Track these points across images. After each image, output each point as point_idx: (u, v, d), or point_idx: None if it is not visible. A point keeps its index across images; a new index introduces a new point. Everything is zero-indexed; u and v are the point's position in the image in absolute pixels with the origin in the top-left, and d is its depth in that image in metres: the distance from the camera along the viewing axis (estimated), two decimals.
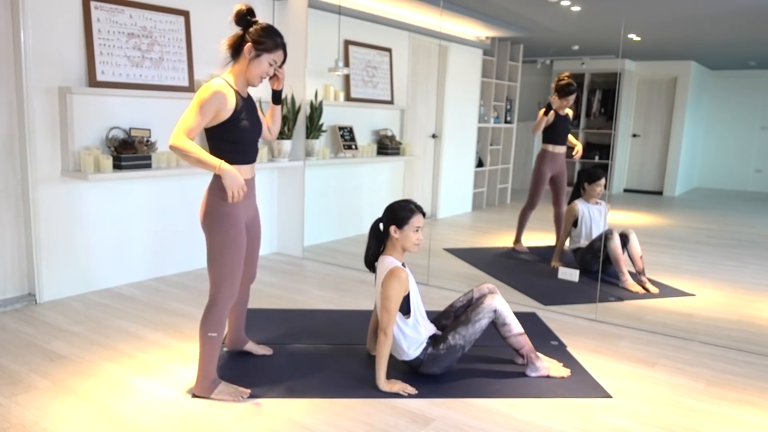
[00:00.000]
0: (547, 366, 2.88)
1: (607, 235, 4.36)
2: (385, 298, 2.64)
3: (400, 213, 2.72)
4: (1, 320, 3.43)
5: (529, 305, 4.02)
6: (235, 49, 2.52)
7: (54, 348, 3.06)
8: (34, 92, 3.57)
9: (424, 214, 2.76)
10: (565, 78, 4.66)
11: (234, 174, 2.40)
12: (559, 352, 3.22)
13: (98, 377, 2.75)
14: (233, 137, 2.51)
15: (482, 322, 2.76)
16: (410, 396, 2.65)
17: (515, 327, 2.82)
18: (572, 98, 4.67)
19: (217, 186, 2.51)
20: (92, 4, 3.75)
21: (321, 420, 2.43)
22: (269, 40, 2.49)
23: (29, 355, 2.96)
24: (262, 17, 4.88)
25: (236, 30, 2.54)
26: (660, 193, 5.18)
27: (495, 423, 2.45)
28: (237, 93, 2.51)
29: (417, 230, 2.72)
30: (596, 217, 4.67)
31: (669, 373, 3.01)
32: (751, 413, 2.62)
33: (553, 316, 3.81)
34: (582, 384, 2.84)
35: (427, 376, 2.83)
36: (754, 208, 5.07)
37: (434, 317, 3.01)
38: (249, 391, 2.63)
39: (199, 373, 2.60)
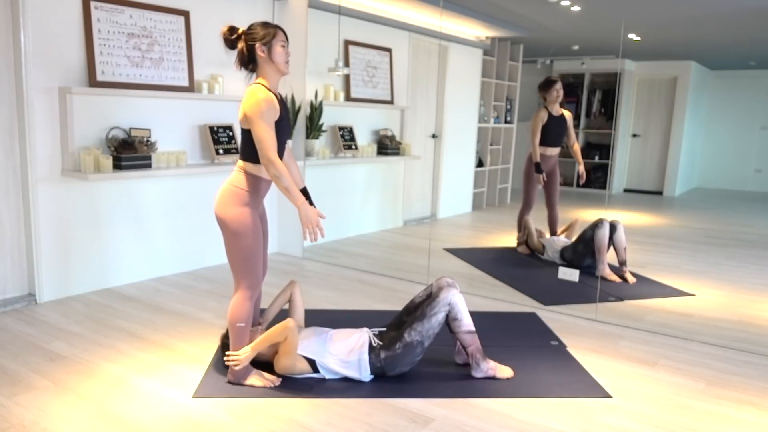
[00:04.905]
0: (493, 367, 2.85)
1: (597, 224, 4.45)
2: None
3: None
4: (1, 320, 3.43)
5: (529, 305, 4.02)
6: (248, 62, 2.62)
7: (54, 348, 3.06)
8: (34, 92, 3.57)
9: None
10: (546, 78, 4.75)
11: (311, 212, 2.55)
12: (559, 352, 3.22)
13: (98, 377, 2.75)
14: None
15: (438, 316, 2.74)
16: (409, 396, 2.66)
17: (466, 324, 2.78)
18: (556, 89, 4.63)
19: (240, 181, 2.62)
20: (92, 4, 3.75)
21: (321, 420, 2.43)
22: (266, 29, 2.59)
23: (29, 355, 2.96)
24: (262, 18, 4.88)
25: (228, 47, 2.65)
26: (660, 193, 5.18)
27: (495, 423, 2.45)
28: (275, 96, 2.60)
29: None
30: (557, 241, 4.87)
31: (669, 373, 3.01)
32: (751, 413, 2.62)
33: (553, 316, 3.81)
34: (582, 384, 2.84)
35: (400, 377, 2.83)
36: (754, 208, 5.06)
37: (396, 314, 3.00)
38: (280, 379, 2.74)
39: None
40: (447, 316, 2.77)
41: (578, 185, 5.12)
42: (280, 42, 2.59)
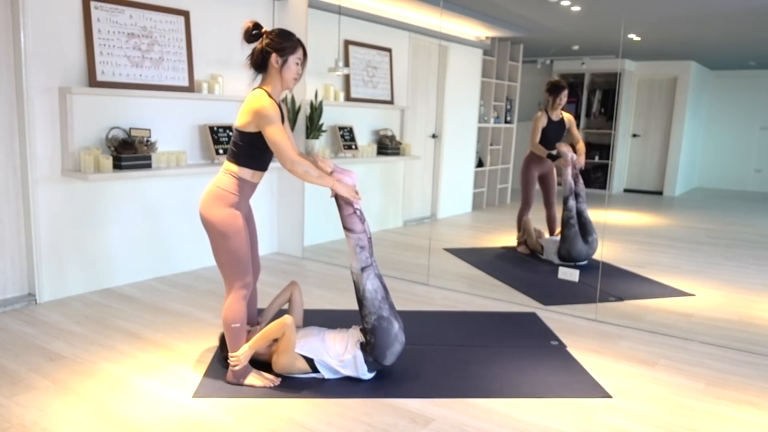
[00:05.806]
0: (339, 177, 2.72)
1: (565, 200, 4.62)
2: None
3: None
4: (1, 320, 3.43)
5: (529, 305, 4.02)
6: (259, 65, 2.63)
7: (54, 348, 3.06)
8: (34, 92, 3.57)
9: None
10: (554, 79, 4.74)
11: (345, 185, 2.67)
12: (559, 352, 3.22)
13: (98, 377, 2.75)
14: (266, 146, 2.62)
15: (367, 286, 2.70)
16: (409, 396, 2.66)
17: (359, 241, 2.79)
18: (561, 96, 4.66)
19: (224, 183, 2.63)
20: (92, 4, 3.75)
21: (321, 420, 2.43)
22: (288, 42, 2.61)
23: (29, 355, 2.96)
24: (262, 17, 4.88)
25: (250, 45, 2.66)
26: (660, 193, 5.18)
27: (495, 423, 2.46)
28: (276, 103, 2.62)
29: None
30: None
31: (669, 373, 3.01)
32: (751, 413, 2.62)
33: (553, 316, 3.81)
34: (582, 384, 2.84)
35: (399, 376, 2.82)
36: (754, 208, 5.07)
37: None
38: (279, 379, 2.73)
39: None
40: (369, 272, 2.73)
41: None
42: (296, 59, 2.62)
